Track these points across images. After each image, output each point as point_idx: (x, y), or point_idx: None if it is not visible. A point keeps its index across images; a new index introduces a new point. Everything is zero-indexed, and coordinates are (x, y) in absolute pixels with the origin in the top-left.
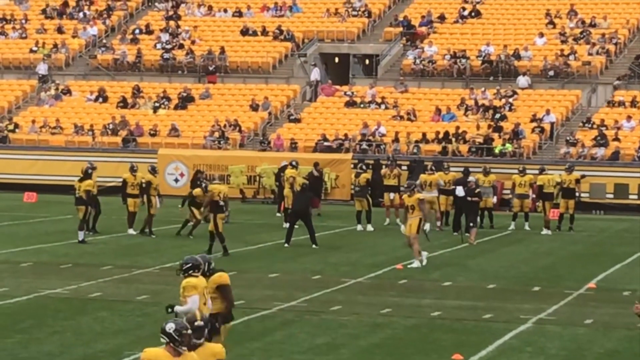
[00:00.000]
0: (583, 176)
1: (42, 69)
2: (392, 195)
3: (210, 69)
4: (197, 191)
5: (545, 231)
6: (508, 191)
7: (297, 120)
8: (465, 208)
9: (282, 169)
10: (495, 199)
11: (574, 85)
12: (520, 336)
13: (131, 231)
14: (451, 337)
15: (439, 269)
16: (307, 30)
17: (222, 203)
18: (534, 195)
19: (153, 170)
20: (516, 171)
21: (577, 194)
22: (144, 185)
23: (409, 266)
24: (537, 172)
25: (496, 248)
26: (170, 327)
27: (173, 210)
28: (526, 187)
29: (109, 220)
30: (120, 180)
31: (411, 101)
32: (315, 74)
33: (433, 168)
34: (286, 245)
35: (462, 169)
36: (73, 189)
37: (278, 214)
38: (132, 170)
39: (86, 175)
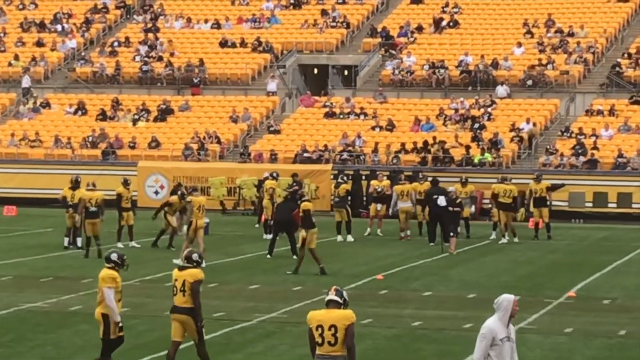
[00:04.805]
0: (562, 185)
1: (25, 81)
2: (379, 206)
3: (195, 81)
4: (174, 199)
5: (502, 239)
6: (488, 201)
7: (277, 132)
8: (446, 218)
9: (264, 181)
10: (473, 209)
11: (552, 95)
12: None
13: (120, 244)
14: (432, 347)
15: (419, 279)
16: (285, 41)
17: (93, 209)
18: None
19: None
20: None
21: (548, 202)
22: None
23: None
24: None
25: (476, 258)
26: None
27: (153, 222)
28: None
29: None
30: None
31: (390, 111)
32: (272, 87)
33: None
34: (268, 256)
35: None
36: (62, 198)
37: (257, 225)
38: (126, 184)
39: (76, 184)
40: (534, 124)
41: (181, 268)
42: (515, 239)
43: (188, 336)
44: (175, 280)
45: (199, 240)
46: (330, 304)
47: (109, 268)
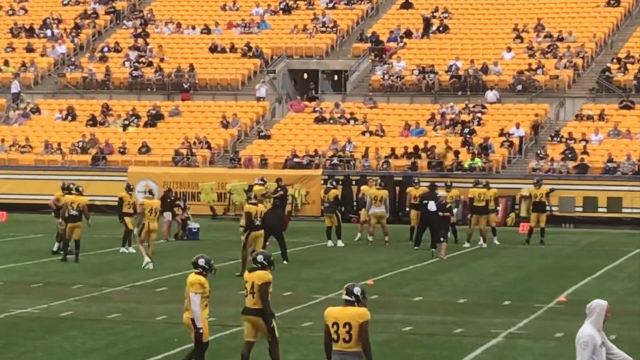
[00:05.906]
0: (552, 190)
1: (15, 87)
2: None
3: (185, 86)
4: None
5: (467, 244)
6: None
7: (267, 137)
8: (436, 223)
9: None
10: (455, 212)
11: (542, 99)
12: (491, 350)
13: (123, 249)
14: (422, 352)
15: (409, 284)
16: (275, 46)
17: (74, 212)
18: (499, 208)
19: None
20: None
21: (547, 208)
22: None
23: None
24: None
25: (466, 263)
26: None
27: None
28: (491, 201)
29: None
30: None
31: (380, 116)
32: (262, 92)
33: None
34: None
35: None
36: (56, 203)
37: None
38: (128, 189)
39: (69, 190)
40: (536, 114)
41: (251, 270)
42: (484, 244)
43: (262, 336)
44: (246, 282)
45: (150, 243)
46: (345, 302)
47: (197, 273)
